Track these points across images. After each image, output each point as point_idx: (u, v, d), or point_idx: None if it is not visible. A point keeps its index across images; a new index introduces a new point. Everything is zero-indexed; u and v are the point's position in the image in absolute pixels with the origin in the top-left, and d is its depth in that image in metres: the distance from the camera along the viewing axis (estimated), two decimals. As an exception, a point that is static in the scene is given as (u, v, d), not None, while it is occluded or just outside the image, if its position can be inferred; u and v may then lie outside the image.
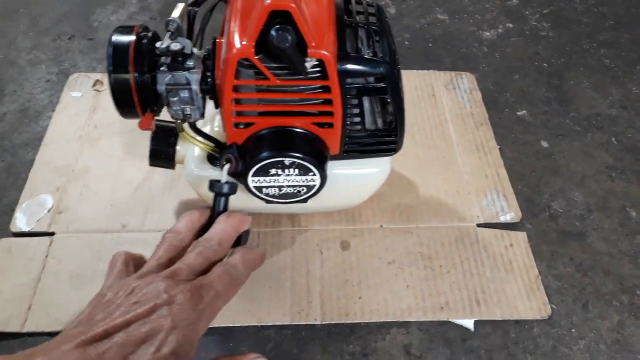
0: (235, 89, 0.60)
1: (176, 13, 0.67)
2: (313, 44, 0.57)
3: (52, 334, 0.68)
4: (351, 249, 0.78)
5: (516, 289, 0.74)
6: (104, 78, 1.01)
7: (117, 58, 0.61)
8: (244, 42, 0.57)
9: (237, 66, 0.58)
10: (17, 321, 0.70)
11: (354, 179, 0.73)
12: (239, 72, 0.59)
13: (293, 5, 0.55)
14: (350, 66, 0.60)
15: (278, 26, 0.55)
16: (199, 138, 0.70)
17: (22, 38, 1.11)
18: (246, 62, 0.59)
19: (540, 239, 0.81)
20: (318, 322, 0.71)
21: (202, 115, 0.66)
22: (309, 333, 0.71)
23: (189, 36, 0.70)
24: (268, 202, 0.71)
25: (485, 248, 0.78)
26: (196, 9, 0.71)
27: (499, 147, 0.92)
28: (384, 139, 0.68)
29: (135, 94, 0.62)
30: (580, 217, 0.84)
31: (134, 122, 0.93)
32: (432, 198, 0.84)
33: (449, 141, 0.92)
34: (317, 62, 0.59)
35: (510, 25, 1.17)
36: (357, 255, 0.77)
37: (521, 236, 0.80)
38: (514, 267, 0.77)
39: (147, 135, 0.90)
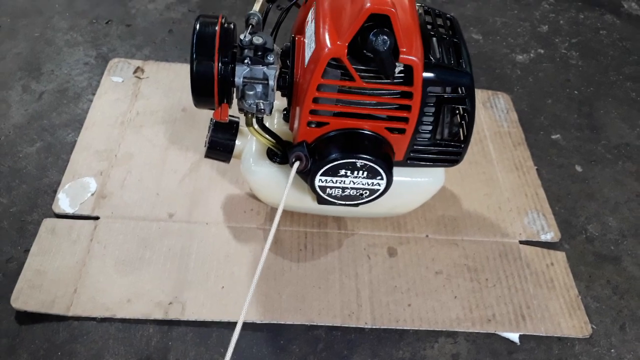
0: (319, 87, 0.60)
1: (257, 7, 0.67)
2: (404, 49, 0.58)
3: (97, 319, 0.67)
4: (398, 256, 0.78)
5: (558, 307, 0.76)
6: (145, 65, 0.99)
7: (202, 47, 0.60)
8: (337, 43, 0.57)
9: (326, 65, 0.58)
10: (63, 304, 0.67)
11: (409, 186, 0.74)
12: (325, 72, 0.60)
13: (393, 10, 0.55)
14: (435, 75, 0.61)
15: (377, 30, 0.55)
16: (264, 134, 0.69)
17: (58, 18, 1.09)
18: (334, 62, 0.59)
19: (578, 260, 0.83)
20: (368, 326, 0.71)
21: (271, 112, 0.66)
22: (358, 336, 0.70)
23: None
24: (322, 202, 0.71)
25: (527, 265, 0.80)
26: (270, 5, 0.71)
27: (536, 167, 0.94)
28: (449, 149, 0.69)
29: (216, 84, 0.61)
30: (615, 242, 0.86)
31: (177, 112, 0.93)
32: (476, 212, 0.85)
33: (489, 158, 0.94)
34: (403, 68, 0.60)
35: (542, 51, 1.20)
36: (405, 263, 0.78)
37: (561, 256, 0.82)
38: (555, 285, 0.78)
39: (191, 127, 0.90)
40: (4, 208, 0.77)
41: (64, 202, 0.77)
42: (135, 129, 0.88)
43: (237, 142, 0.74)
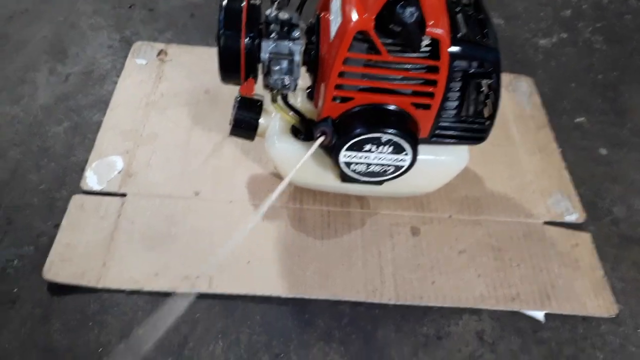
0: (345, 61, 0.61)
1: (282, -17, 0.67)
2: (431, 22, 0.58)
3: (126, 292, 0.68)
4: (421, 235, 0.78)
5: (584, 287, 0.75)
6: (168, 48, 1.00)
7: (230, 22, 0.61)
8: (364, 16, 0.58)
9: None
10: (92, 277, 0.69)
11: (433, 165, 0.74)
12: (351, 45, 0.60)
13: (420, -19, 0.55)
14: (462, 49, 0.61)
15: (404, 2, 0.55)
16: (288, 110, 0.70)
17: (82, 2, 1.10)
18: (360, 36, 0.59)
19: (604, 241, 0.82)
20: (392, 302, 0.71)
21: (295, 88, 0.67)
22: (382, 312, 0.71)
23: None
24: (345, 179, 0.72)
25: (552, 245, 0.79)
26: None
27: (559, 150, 0.93)
28: (474, 127, 0.69)
29: (243, 59, 0.62)
30: (641, 224, 0.85)
31: (200, 94, 0.93)
32: (499, 193, 0.85)
33: (512, 140, 0.93)
34: (430, 42, 0.59)
35: (565, 35, 1.19)
36: (428, 242, 0.78)
37: (586, 237, 0.81)
38: (580, 265, 0.77)
39: (214, 108, 0.91)
40: (34, 186, 0.78)
41: (91, 179, 0.78)
42: (159, 110, 0.89)
43: (261, 120, 0.74)
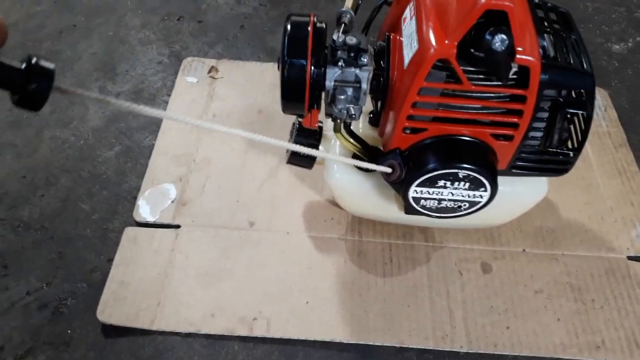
0: (420, 91, 0.55)
1: (348, 4, 0.62)
2: (520, 48, 0.52)
3: (182, 335, 0.65)
4: (493, 273, 0.72)
5: (677, 334, 0.67)
6: (219, 64, 0.96)
7: (295, 49, 0.56)
8: (445, 42, 0.52)
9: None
10: (146, 318, 0.66)
11: (509, 197, 0.67)
12: (429, 74, 0.54)
13: (510, 4, 0.49)
14: (553, 76, 0.54)
15: (493, 28, 0.49)
16: (350, 139, 0.65)
17: (130, 16, 1.08)
18: (440, 64, 0.53)
19: (697, 279, 0.74)
20: (464, 350, 0.65)
21: (359, 116, 0.61)
22: (452, 360, 0.65)
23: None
24: (410, 212, 0.66)
25: (639, 284, 0.72)
26: (360, 2, 0.66)
27: (641, 172, 0.85)
28: (558, 159, 0.62)
29: (308, 89, 0.57)
30: None
31: (253, 114, 0.89)
32: (576, 223, 0.78)
33: (588, 162, 0.86)
34: (517, 69, 0.53)
35: (641, 39, 1.09)
36: (501, 280, 0.71)
37: (677, 274, 0.73)
38: (671, 308, 0.70)
39: (268, 129, 0.86)
40: (86, 215, 0.76)
41: (144, 209, 0.75)
42: (212, 132, 0.86)
43: (320, 147, 0.69)
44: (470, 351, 0.65)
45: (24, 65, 0.31)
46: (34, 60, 0.31)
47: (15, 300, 0.68)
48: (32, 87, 0.30)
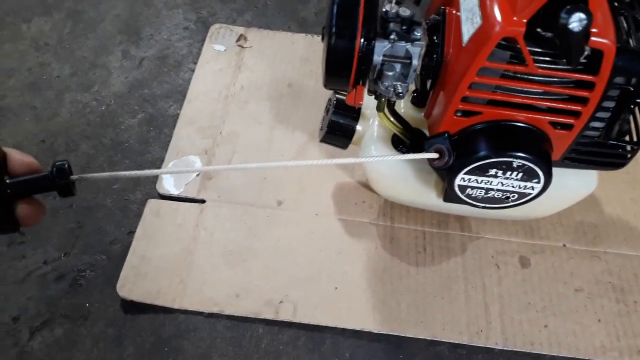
0: (480, 71, 0.51)
1: (399, -26, 0.57)
2: (595, 30, 0.47)
3: (204, 314, 0.62)
4: (532, 268, 0.69)
5: None
6: (248, 33, 0.92)
7: (345, 17, 0.51)
8: (513, 19, 0.47)
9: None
10: (168, 295, 0.63)
11: (556, 189, 0.62)
12: (492, 53, 0.49)
13: (590, -21, 0.44)
14: (628, 62, 0.49)
15: (571, 5, 0.44)
16: (393, 119, 0.61)
17: (156, -22, 1.03)
18: (504, 43, 0.49)
19: None
20: (499, 347, 0.62)
21: (405, 95, 0.57)
22: (486, 357, 0.62)
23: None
24: (450, 200, 0.62)
25: (685, 288, 0.68)
26: (409, -29, 0.61)
27: (690, 170, 0.80)
28: (616, 152, 0.58)
29: (355, 63, 0.53)
30: None
31: (283, 87, 0.85)
32: (620, 219, 0.74)
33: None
34: (590, 53, 0.49)
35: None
36: (539, 276, 0.68)
37: None
38: None
39: (297, 104, 0.82)
40: (107, 185, 0.73)
41: (168, 182, 0.72)
42: (239, 104, 0.82)
43: (357, 126, 0.65)
44: (505, 348, 0.62)
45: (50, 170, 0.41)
46: (55, 165, 0.41)
47: (31, 269, 0.65)
48: (60, 182, 0.41)
